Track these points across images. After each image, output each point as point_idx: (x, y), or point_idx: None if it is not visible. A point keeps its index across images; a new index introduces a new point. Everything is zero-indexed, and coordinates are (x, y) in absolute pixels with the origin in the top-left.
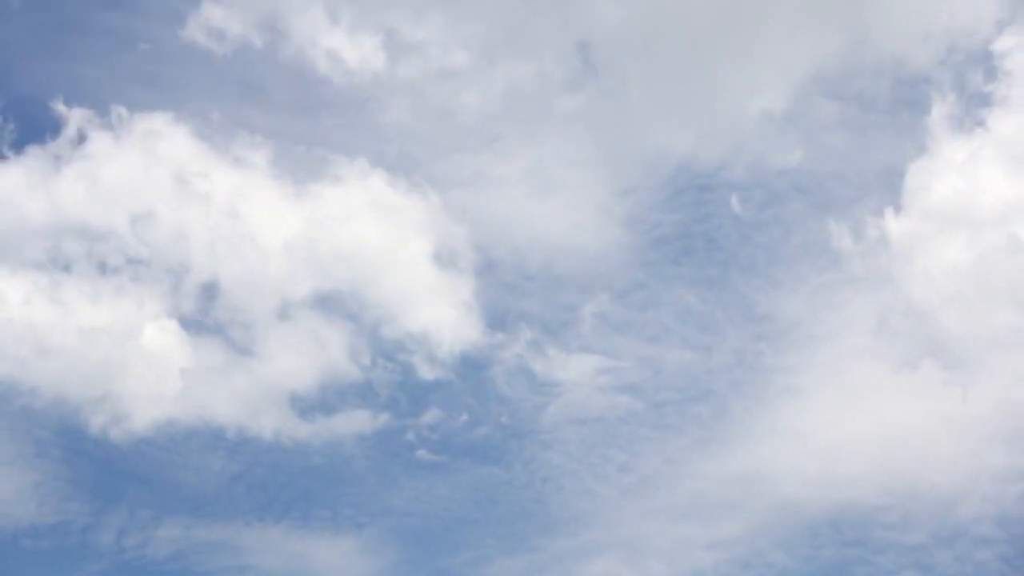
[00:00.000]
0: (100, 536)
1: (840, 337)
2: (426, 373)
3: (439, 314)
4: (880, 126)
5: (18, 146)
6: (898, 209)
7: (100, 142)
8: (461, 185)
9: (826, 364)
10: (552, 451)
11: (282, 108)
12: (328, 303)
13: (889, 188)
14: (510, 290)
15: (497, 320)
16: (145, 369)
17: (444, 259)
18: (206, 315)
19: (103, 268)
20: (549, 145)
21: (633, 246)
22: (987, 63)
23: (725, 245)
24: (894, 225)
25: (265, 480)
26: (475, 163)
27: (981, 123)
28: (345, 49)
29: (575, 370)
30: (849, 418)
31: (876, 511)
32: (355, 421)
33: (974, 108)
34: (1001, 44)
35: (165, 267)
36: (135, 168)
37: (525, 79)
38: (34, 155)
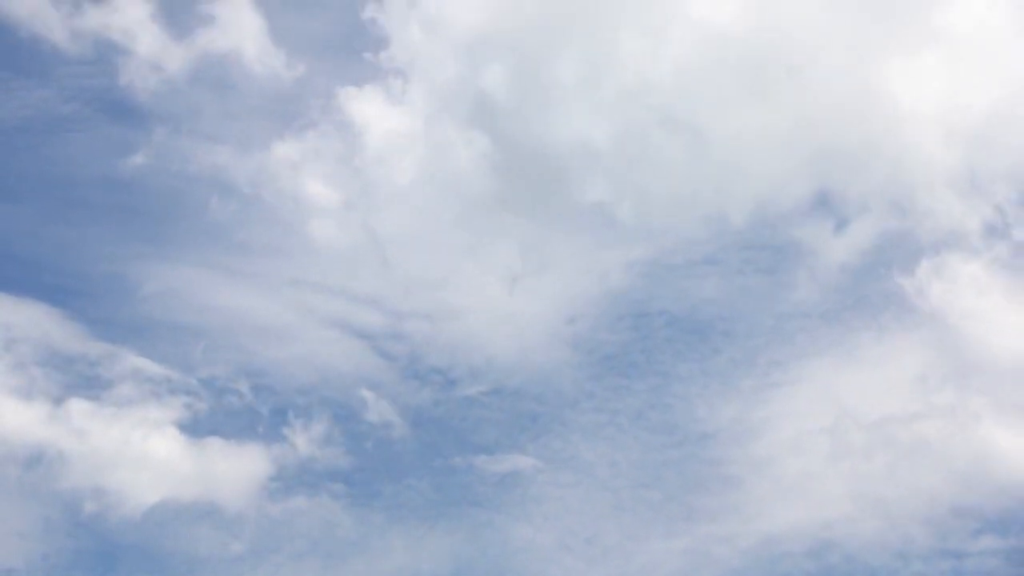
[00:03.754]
0: None
1: (769, 433)
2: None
3: None
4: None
5: None
6: None
7: None
8: (424, 317)
9: (758, 456)
10: (523, 525)
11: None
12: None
13: None
14: (470, 402)
15: (459, 426)
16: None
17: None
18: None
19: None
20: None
21: (581, 363)
22: None
23: (662, 359)
24: None
25: (255, 546)
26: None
27: None
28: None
29: (534, 463)
30: (783, 503)
31: None
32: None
33: None
34: None
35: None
36: None
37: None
38: None
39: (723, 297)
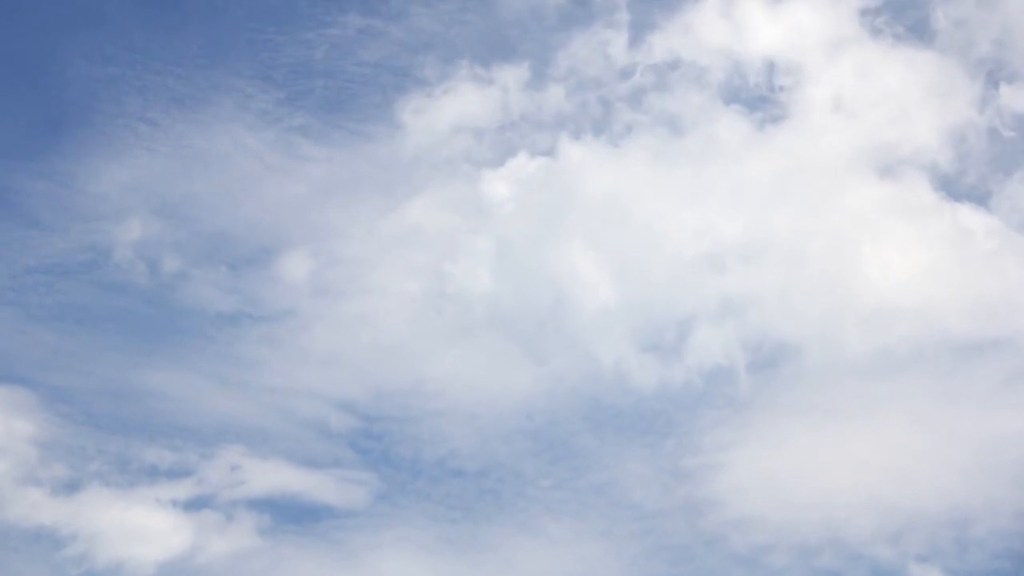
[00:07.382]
0: None
1: (716, 511)
2: None
3: None
4: None
5: None
6: None
7: None
8: (394, 420)
9: (708, 532)
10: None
11: None
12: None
13: None
14: (435, 483)
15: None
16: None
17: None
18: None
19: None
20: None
21: (541, 450)
22: None
23: (616, 444)
24: None
25: None
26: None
27: None
28: None
29: (501, 531)
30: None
31: None
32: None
33: None
34: None
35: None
36: None
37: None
38: None
39: (664, 394)
